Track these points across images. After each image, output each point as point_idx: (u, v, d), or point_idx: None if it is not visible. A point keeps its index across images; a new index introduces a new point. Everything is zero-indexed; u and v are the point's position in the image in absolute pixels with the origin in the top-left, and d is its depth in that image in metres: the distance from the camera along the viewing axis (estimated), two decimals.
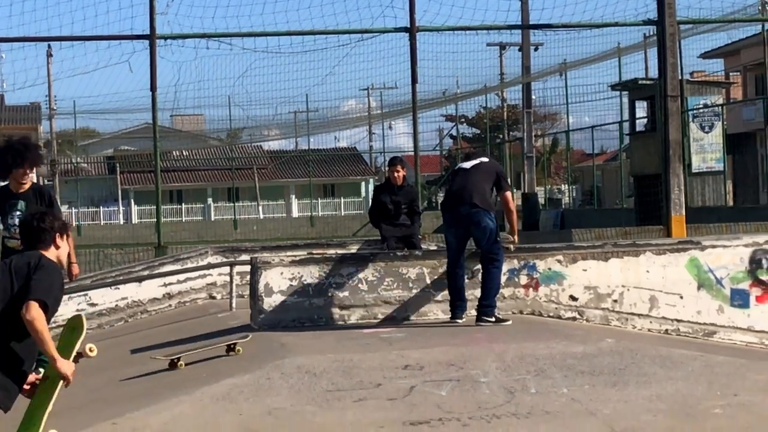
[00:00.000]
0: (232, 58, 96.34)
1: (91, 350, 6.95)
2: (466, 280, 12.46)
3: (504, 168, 13.09)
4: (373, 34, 22.23)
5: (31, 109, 79.38)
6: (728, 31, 42.57)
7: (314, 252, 15.42)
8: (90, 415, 9.24)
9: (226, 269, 16.06)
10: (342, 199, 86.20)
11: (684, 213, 19.57)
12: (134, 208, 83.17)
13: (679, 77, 21.45)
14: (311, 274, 12.49)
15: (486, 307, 12.04)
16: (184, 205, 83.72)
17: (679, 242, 13.65)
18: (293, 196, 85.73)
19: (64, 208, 77.97)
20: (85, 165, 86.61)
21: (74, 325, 7.10)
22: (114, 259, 21.26)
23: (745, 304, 12.73)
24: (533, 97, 50.61)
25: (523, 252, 13.12)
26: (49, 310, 6.56)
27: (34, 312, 6.42)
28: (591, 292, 12.69)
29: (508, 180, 13.21)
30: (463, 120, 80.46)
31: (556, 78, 50.59)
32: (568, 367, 10.01)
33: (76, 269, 12.09)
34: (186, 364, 10.90)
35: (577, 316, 12.60)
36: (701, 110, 37.35)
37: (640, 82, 38.50)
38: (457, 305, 12.25)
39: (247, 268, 13.81)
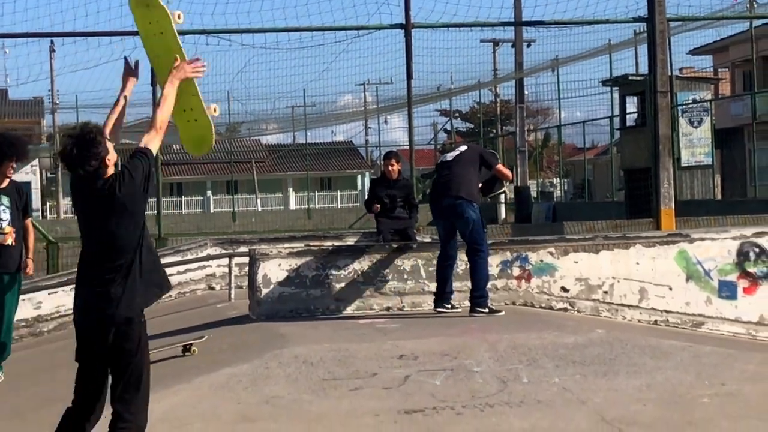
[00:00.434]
0: (231, 54, 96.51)
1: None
2: (459, 272, 12.48)
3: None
4: (369, 31, 22.20)
5: (34, 103, 79.41)
6: (717, 28, 42.60)
7: (311, 244, 15.41)
8: None
9: (225, 261, 16.05)
10: (338, 192, 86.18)
11: (673, 206, 19.58)
12: None
13: (669, 73, 21.46)
14: (308, 266, 12.48)
15: (477, 298, 12.03)
16: (184, 198, 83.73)
17: (668, 235, 13.65)
18: (291, 189, 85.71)
19: (66, 201, 78.02)
20: None
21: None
22: None
23: (732, 296, 12.74)
24: (526, 92, 50.56)
25: (516, 244, 13.13)
26: None
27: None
28: (582, 283, 12.69)
29: (495, 158, 13.08)
30: (457, 115, 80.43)
31: (548, 74, 50.55)
32: (560, 357, 10.01)
33: (31, 266, 11.88)
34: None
35: (569, 307, 12.61)
36: (690, 105, 37.37)
37: (630, 77, 38.49)
38: (438, 295, 12.25)
39: (246, 259, 13.80)
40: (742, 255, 12.80)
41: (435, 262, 12.40)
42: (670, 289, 12.68)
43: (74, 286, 6.66)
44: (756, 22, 38.96)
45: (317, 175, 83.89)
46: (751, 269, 12.78)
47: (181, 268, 16.55)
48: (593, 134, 57.94)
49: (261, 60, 79.67)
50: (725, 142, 45.38)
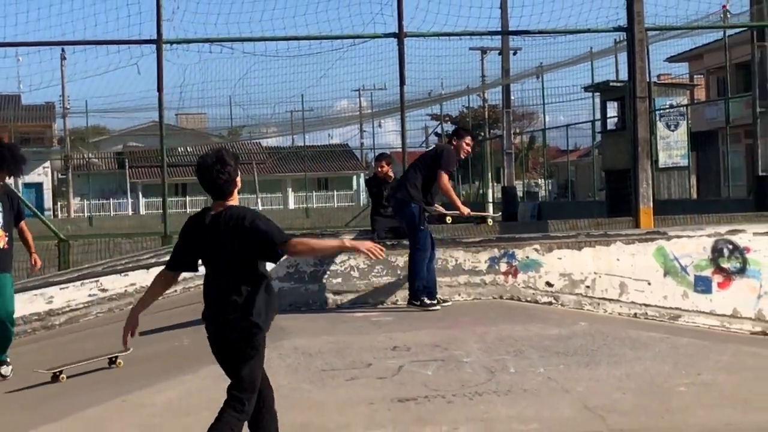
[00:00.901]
0: (233, 61, 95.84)
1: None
2: (450, 267, 12.51)
3: (450, 154, 12.65)
4: (364, 40, 22.14)
5: (46, 108, 79.33)
6: (692, 37, 42.58)
7: None
8: (101, 393, 9.23)
9: None
10: (335, 192, 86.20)
11: (651, 205, 19.55)
12: (142, 200, 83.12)
13: (647, 80, 21.46)
14: (307, 262, 12.48)
15: (410, 293, 12.12)
16: (188, 198, 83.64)
17: (647, 232, 13.66)
18: (290, 189, 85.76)
19: (76, 200, 77.96)
20: (96, 160, 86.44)
21: None
22: (123, 247, 21.17)
23: (707, 290, 12.76)
24: (512, 97, 50.45)
25: (503, 241, 13.14)
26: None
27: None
28: (566, 278, 12.70)
29: (446, 163, 12.46)
30: (447, 119, 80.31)
31: (533, 80, 50.48)
32: (545, 348, 10.03)
33: (38, 261, 11.79)
34: (68, 377, 10.66)
35: (553, 301, 12.62)
36: (667, 110, 37.38)
37: (611, 84, 38.45)
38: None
39: None
40: (716, 252, 12.82)
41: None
42: (649, 283, 12.70)
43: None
44: (729, 32, 38.96)
45: (315, 175, 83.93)
46: (725, 265, 12.80)
47: None
48: (576, 137, 57.86)
49: (262, 67, 79.83)
50: (700, 144, 45.38)
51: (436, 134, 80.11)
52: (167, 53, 20.12)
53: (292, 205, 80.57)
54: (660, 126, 36.69)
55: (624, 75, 33.92)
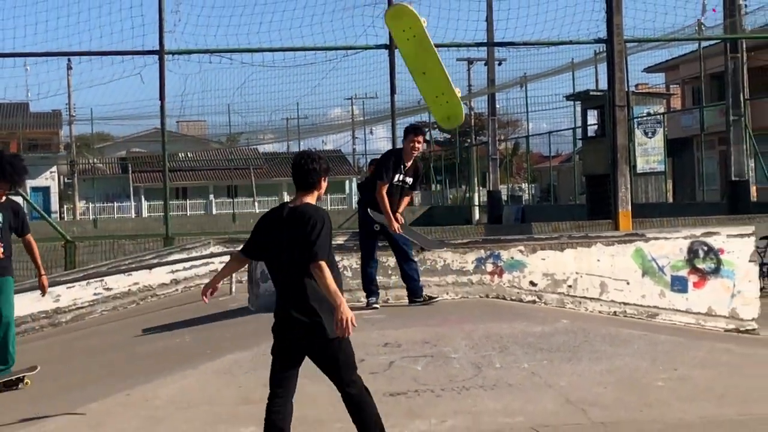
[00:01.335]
0: (232, 71, 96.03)
1: None
2: (438, 268, 12.51)
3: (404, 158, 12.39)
4: (357, 51, 22.16)
5: (53, 115, 79.15)
6: (669, 49, 42.65)
7: None
8: (106, 388, 9.21)
9: (227, 258, 16.02)
10: (329, 196, 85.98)
11: (630, 209, 19.59)
12: (144, 204, 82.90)
13: (626, 89, 21.51)
14: None
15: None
16: (188, 201, 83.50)
17: (626, 234, 13.67)
18: (285, 193, 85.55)
19: (82, 204, 77.82)
20: (101, 165, 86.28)
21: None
22: (127, 248, 21.14)
23: (683, 289, 12.76)
24: (497, 106, 50.64)
25: (489, 243, 13.13)
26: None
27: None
28: (549, 278, 12.70)
29: (378, 173, 12.06)
30: (435, 126, 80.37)
31: (517, 89, 50.54)
32: (529, 344, 10.02)
33: (45, 282, 11.21)
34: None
35: (537, 300, 12.61)
36: (645, 118, 37.44)
37: (591, 93, 38.55)
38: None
39: None
40: (692, 253, 12.82)
41: (416, 259, 12.39)
42: (628, 283, 12.70)
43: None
44: (704, 43, 39.00)
45: None
46: (700, 265, 12.81)
47: (187, 264, 16.52)
48: (558, 144, 58.02)
49: (259, 77, 79.82)
50: (676, 151, 45.48)
51: (426, 141, 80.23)
52: (169, 63, 20.13)
53: None
54: (638, 133, 36.76)
55: (603, 84, 34.01)
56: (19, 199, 13.19)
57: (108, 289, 15.62)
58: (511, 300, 12.55)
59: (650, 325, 12.13)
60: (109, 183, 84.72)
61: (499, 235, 16.15)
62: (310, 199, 6.82)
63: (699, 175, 42.61)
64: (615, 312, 12.61)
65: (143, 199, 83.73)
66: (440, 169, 69.80)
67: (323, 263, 6.42)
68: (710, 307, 12.76)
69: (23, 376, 10.28)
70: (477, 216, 50.98)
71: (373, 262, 12.12)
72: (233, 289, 15.04)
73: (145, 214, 78.82)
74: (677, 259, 12.80)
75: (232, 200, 76.74)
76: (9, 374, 10.24)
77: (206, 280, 16.29)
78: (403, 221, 12.14)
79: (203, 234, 34.92)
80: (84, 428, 7.94)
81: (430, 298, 12.22)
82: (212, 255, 16.76)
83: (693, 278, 12.80)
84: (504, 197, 52.82)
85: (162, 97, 20.31)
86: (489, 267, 12.71)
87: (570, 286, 12.69)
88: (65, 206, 79.34)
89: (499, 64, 45.33)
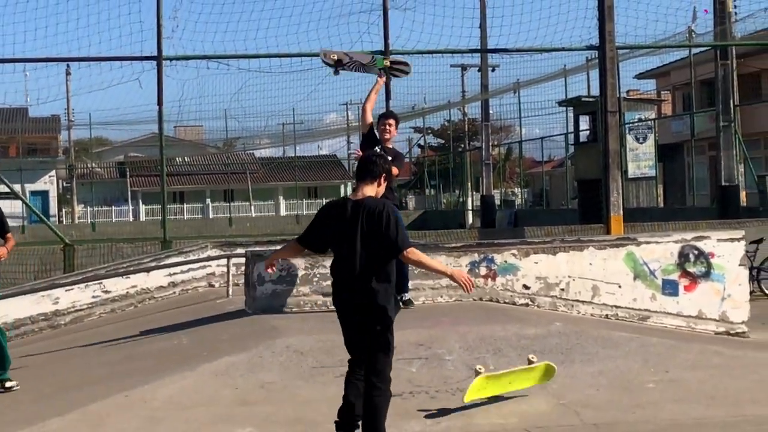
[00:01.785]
0: (229, 77, 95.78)
1: None
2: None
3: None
4: None
5: (52, 120, 79.10)
6: (660, 55, 42.72)
7: None
8: (105, 389, 9.21)
9: (224, 261, 15.99)
10: (324, 200, 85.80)
11: (621, 213, 19.62)
12: (142, 207, 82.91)
13: (617, 95, 21.52)
14: (298, 266, 12.45)
15: None
16: (185, 205, 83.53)
17: (617, 239, 13.67)
18: (281, 197, 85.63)
19: (80, 207, 77.73)
20: (99, 169, 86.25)
21: None
22: (125, 252, 21.12)
23: (674, 293, 12.77)
24: (491, 111, 50.47)
25: (483, 247, 13.13)
26: None
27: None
28: (541, 281, 12.70)
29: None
30: (429, 131, 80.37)
31: (510, 95, 50.54)
32: (522, 347, 10.03)
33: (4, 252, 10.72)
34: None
35: (530, 303, 12.62)
36: (636, 124, 37.50)
37: (583, 99, 38.59)
38: None
39: (242, 260, 13.76)
40: (683, 257, 12.83)
41: None
42: (620, 286, 12.70)
43: None
44: (694, 50, 39.11)
45: (305, 184, 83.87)
46: (691, 269, 12.82)
47: (185, 267, 16.49)
48: (550, 149, 57.85)
49: (255, 82, 79.35)
50: (667, 156, 45.50)
51: (419, 146, 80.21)
52: (167, 69, 20.15)
53: (283, 212, 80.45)
54: (629, 139, 36.81)
55: (595, 90, 34.02)
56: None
57: (106, 291, 15.59)
58: (505, 303, 12.55)
59: (642, 327, 12.14)
60: (108, 187, 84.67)
61: (493, 239, 16.15)
62: (372, 192, 6.99)
63: (689, 180, 42.67)
64: (607, 315, 12.62)
65: (141, 203, 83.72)
66: (434, 174, 69.84)
67: (413, 249, 6.80)
68: (701, 311, 12.77)
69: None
70: (470, 220, 51.02)
71: None
72: (230, 293, 15.02)
73: (142, 217, 78.84)
74: (668, 263, 12.81)
75: (228, 204, 76.73)
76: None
77: (203, 283, 16.44)
78: None
79: (200, 237, 34.88)
80: (84, 429, 7.94)
81: (405, 303, 11.95)
82: (209, 258, 16.73)
83: (684, 282, 12.80)
84: (497, 202, 52.78)
85: (160, 102, 20.31)
86: (483, 270, 12.71)
87: (562, 290, 12.70)
88: (64, 210, 79.29)
89: (493, 71, 45.19)
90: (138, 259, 17.62)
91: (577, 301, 12.67)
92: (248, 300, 12.64)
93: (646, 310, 12.70)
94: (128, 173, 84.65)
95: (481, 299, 12.60)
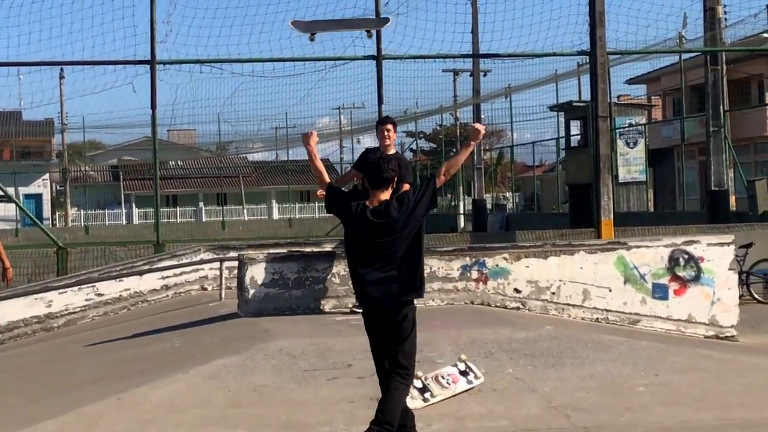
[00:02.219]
0: (222, 81, 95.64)
1: None
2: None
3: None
4: (345, 61, 22.14)
5: (46, 124, 78.96)
6: (650, 61, 42.78)
7: (293, 250, 15.34)
8: (97, 391, 9.19)
9: (217, 264, 16.00)
10: (317, 204, 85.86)
11: (612, 217, 19.62)
12: (135, 211, 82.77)
13: (608, 100, 21.52)
14: (290, 269, 12.46)
15: None
16: (178, 208, 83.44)
17: (608, 243, 13.69)
18: (274, 201, 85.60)
19: (74, 211, 77.60)
20: (93, 173, 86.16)
21: None
22: (118, 255, 21.07)
23: (664, 297, 12.79)
24: (482, 116, 50.49)
25: (474, 250, 13.14)
26: None
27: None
28: (532, 285, 12.71)
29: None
30: (421, 136, 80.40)
31: (502, 100, 50.51)
32: (513, 350, 10.04)
33: (10, 274, 11.52)
34: None
35: (521, 306, 12.63)
36: (627, 129, 37.54)
37: (574, 104, 38.58)
38: None
39: (235, 263, 13.77)
40: (673, 261, 12.85)
41: None
42: (610, 290, 12.72)
43: None
44: (684, 56, 39.15)
45: (298, 188, 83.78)
46: (681, 273, 12.84)
47: (177, 270, 16.48)
48: (541, 153, 57.85)
49: (248, 86, 79.60)
50: (657, 161, 45.59)
51: (411, 150, 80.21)
52: (160, 73, 20.10)
53: (276, 216, 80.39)
54: (620, 143, 36.85)
55: (586, 95, 34.06)
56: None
57: (99, 294, 15.57)
58: (496, 307, 12.56)
59: (632, 331, 12.15)
60: (101, 190, 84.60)
61: (484, 243, 16.15)
62: (386, 196, 7.22)
63: (679, 184, 42.74)
64: (597, 318, 12.63)
65: (134, 206, 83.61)
66: (426, 178, 69.76)
67: (437, 178, 7.42)
68: (690, 314, 12.79)
69: None
70: (462, 224, 50.99)
71: None
72: (223, 296, 15.02)
73: (136, 221, 78.69)
74: (658, 267, 12.83)
75: (221, 208, 76.65)
76: None
77: (196, 287, 16.43)
78: None
79: (193, 241, 34.79)
80: (77, 430, 7.92)
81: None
82: (202, 261, 16.73)
83: (674, 286, 12.83)
84: (489, 206, 52.79)
85: (153, 106, 20.29)
86: (474, 274, 12.72)
87: (553, 293, 12.71)
88: (57, 213, 79.15)
89: (485, 75, 45.20)
90: (131, 262, 17.59)
91: (568, 304, 12.69)
92: (241, 303, 12.64)
93: (636, 313, 12.72)
94: (122, 176, 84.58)
95: (472, 303, 12.61)
